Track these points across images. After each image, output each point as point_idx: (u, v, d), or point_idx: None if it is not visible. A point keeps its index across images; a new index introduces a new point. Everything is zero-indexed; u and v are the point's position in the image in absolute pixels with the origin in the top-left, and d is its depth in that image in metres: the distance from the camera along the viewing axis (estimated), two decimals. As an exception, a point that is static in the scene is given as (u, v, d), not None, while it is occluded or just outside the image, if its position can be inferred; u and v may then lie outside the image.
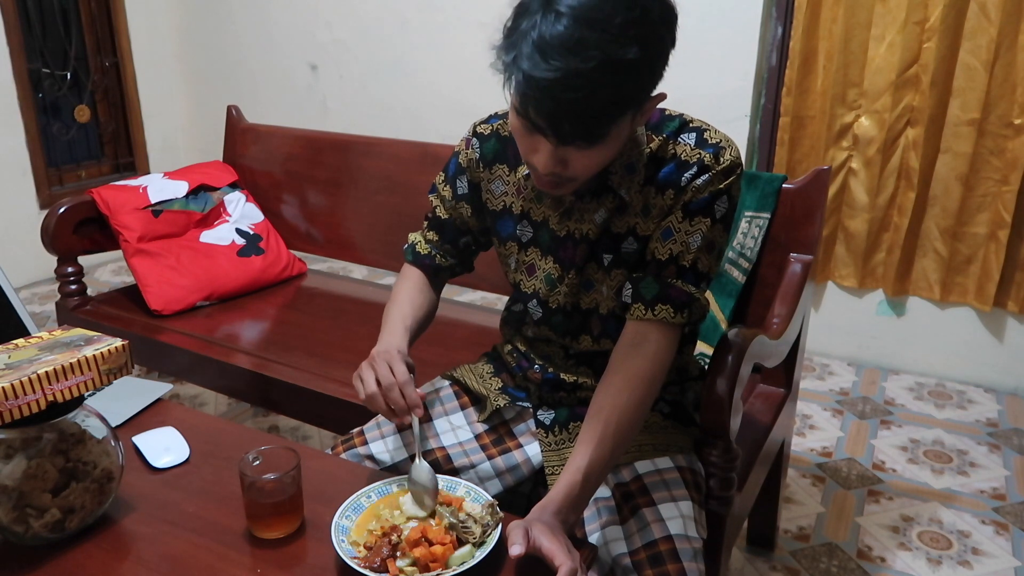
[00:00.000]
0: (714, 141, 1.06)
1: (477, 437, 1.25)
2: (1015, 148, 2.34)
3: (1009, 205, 2.37)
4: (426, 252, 1.29)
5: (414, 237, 1.32)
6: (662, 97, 0.98)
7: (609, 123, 0.91)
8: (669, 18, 0.92)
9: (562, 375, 1.21)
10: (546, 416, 1.22)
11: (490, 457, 1.23)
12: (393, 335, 1.16)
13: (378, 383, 1.06)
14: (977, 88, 2.35)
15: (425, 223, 1.31)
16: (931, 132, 2.43)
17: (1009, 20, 2.27)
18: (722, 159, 1.05)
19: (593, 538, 1.08)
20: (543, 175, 0.99)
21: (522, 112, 0.93)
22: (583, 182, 1.02)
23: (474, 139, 1.22)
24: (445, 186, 1.26)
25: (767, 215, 1.57)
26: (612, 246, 1.11)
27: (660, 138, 1.07)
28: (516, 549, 0.87)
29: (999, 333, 2.56)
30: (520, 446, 1.24)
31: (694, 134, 1.07)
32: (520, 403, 1.25)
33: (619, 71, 0.87)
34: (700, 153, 1.05)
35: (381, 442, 1.23)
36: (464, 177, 1.23)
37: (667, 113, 1.10)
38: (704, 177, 1.04)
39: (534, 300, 1.20)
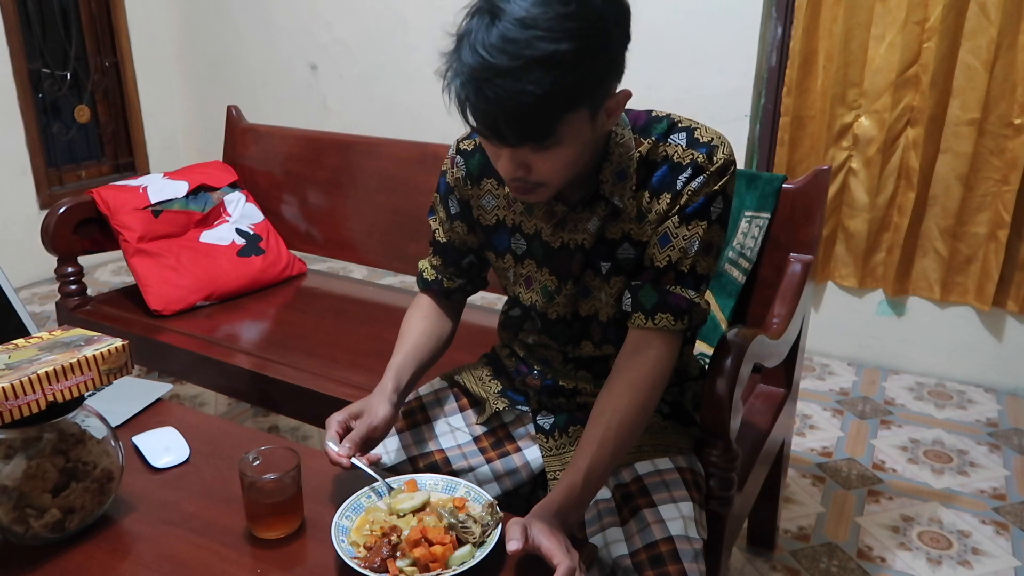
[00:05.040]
0: (706, 140, 1.04)
1: (476, 440, 1.24)
2: (1015, 148, 2.34)
3: (1009, 205, 2.37)
4: (433, 277, 1.28)
5: (422, 264, 1.30)
6: (626, 95, 0.97)
7: (552, 121, 0.89)
8: (615, 12, 0.91)
9: (561, 381, 1.20)
10: (545, 421, 1.22)
11: (489, 461, 1.22)
12: (379, 390, 1.15)
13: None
14: (977, 88, 2.35)
15: (430, 248, 1.30)
16: (931, 132, 2.43)
17: (1009, 20, 2.27)
18: (715, 158, 1.03)
19: (593, 540, 1.08)
20: (509, 180, 0.99)
21: (462, 117, 0.92)
22: (556, 187, 1.00)
23: (458, 156, 1.19)
24: (440, 207, 1.24)
25: (767, 215, 1.57)
26: (608, 253, 1.10)
27: (649, 141, 1.06)
28: (513, 545, 0.87)
29: (999, 333, 2.56)
30: (519, 450, 1.24)
31: (684, 134, 1.05)
32: (519, 407, 1.25)
33: (550, 66, 0.85)
34: (693, 154, 1.03)
35: (379, 443, 1.23)
36: (454, 196, 1.21)
37: (654, 115, 1.08)
38: (699, 179, 1.03)
39: (532, 312, 1.19)
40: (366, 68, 3.44)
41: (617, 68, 0.95)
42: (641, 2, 3.08)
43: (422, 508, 1.01)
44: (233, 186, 2.27)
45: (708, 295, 1.63)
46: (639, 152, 1.06)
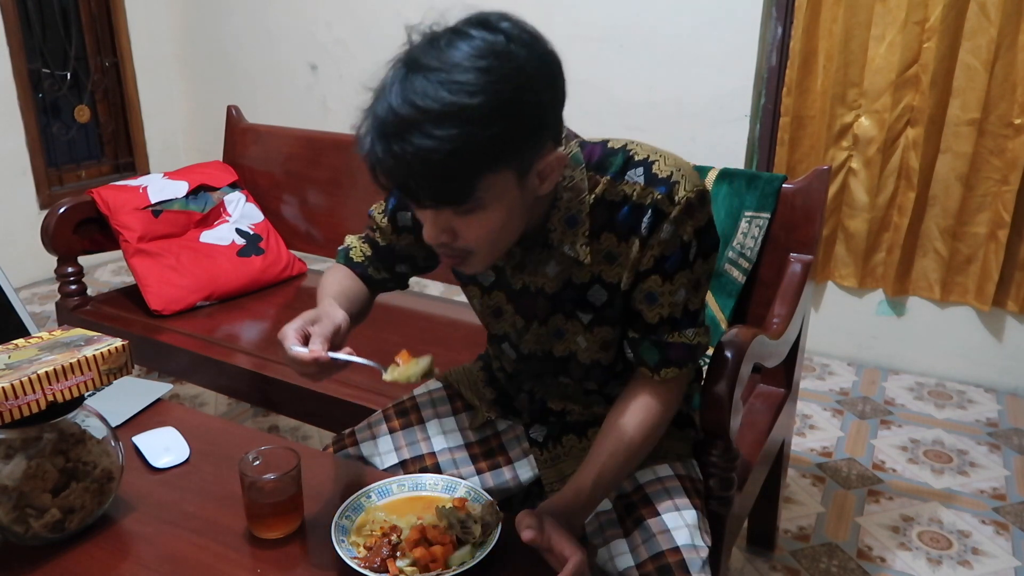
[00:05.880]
0: (664, 175, 0.96)
1: (468, 446, 1.24)
2: (1015, 148, 2.34)
3: (1009, 205, 2.37)
4: (360, 260, 1.22)
5: (351, 241, 1.24)
6: (560, 159, 0.90)
7: (469, 182, 0.83)
8: (540, 68, 0.85)
9: (549, 403, 1.19)
10: (538, 433, 1.21)
11: (479, 471, 1.22)
12: (326, 303, 1.07)
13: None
14: (977, 88, 2.35)
15: (364, 234, 1.23)
16: (931, 132, 2.43)
17: (1009, 20, 2.27)
18: (677, 197, 0.95)
19: (596, 553, 1.07)
20: (435, 247, 0.94)
21: (372, 175, 0.87)
22: (488, 255, 0.94)
23: None
24: (383, 218, 1.18)
25: (767, 215, 1.57)
26: (578, 299, 1.04)
27: (606, 179, 0.98)
28: (529, 534, 0.88)
29: (999, 333, 2.56)
30: (510, 461, 1.23)
31: (641, 169, 0.97)
32: (511, 417, 1.25)
33: (460, 121, 0.79)
34: (652, 193, 0.95)
35: (372, 443, 1.23)
36: (408, 214, 1.15)
37: (610, 146, 1.00)
38: (666, 228, 0.95)
39: (506, 343, 1.16)
40: (366, 68, 3.43)
41: (546, 128, 0.88)
42: (642, 3, 3.08)
43: (428, 374, 0.97)
44: (233, 186, 2.27)
45: (709, 295, 1.63)
46: (595, 194, 0.98)
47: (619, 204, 0.98)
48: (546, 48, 0.87)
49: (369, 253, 1.22)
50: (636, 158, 0.98)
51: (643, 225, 0.96)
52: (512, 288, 1.08)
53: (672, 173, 0.96)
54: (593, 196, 0.99)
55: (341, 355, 0.96)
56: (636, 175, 0.97)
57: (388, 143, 0.82)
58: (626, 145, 1.00)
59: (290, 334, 0.98)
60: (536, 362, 1.14)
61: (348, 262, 1.23)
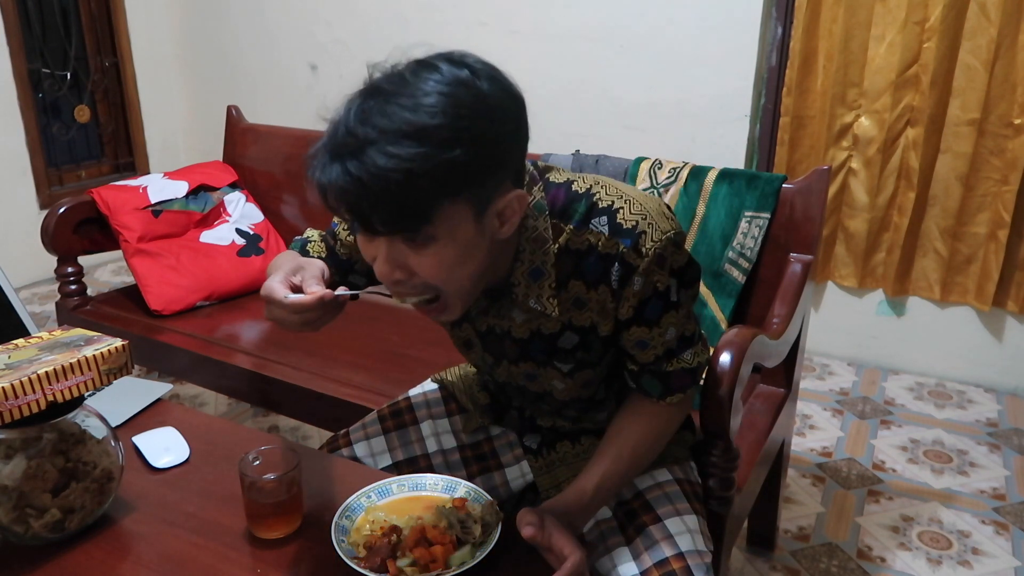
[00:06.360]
0: (630, 226, 0.92)
1: (460, 449, 1.24)
2: (1015, 148, 2.34)
3: (1009, 205, 2.37)
4: (317, 255, 1.15)
5: (311, 234, 1.19)
6: (520, 199, 0.88)
7: (423, 205, 0.80)
8: (505, 99, 0.84)
9: (539, 421, 1.19)
10: (532, 440, 1.21)
11: (470, 476, 1.22)
12: (302, 261, 1.03)
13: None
14: (977, 88, 2.35)
15: (324, 236, 1.18)
16: (931, 132, 2.43)
17: (1009, 20, 2.27)
18: (644, 249, 0.91)
19: (600, 561, 1.06)
20: (390, 285, 0.91)
21: (323, 200, 0.83)
22: (453, 293, 0.90)
23: None
24: (348, 235, 1.14)
25: (767, 215, 1.57)
26: (550, 348, 1.02)
27: (569, 228, 0.94)
28: (529, 530, 0.88)
29: (999, 333, 2.56)
30: (501, 467, 1.23)
31: (605, 217, 0.93)
32: (504, 425, 1.25)
33: (418, 141, 0.78)
34: (617, 245, 0.92)
35: (365, 444, 1.23)
36: None
37: (575, 190, 0.96)
38: (638, 280, 0.92)
39: (483, 372, 1.15)
40: (366, 68, 3.44)
41: (506, 163, 0.86)
42: (642, 3, 3.08)
43: None
44: (233, 186, 2.27)
45: (708, 295, 1.63)
46: (558, 244, 0.95)
47: (585, 252, 0.94)
48: (511, 86, 0.86)
49: (325, 255, 1.17)
50: (600, 205, 0.94)
51: (612, 277, 0.94)
52: (478, 330, 1.06)
53: (637, 223, 0.92)
54: (557, 245, 0.95)
55: (343, 291, 0.94)
56: (600, 224, 0.93)
57: (343, 162, 0.79)
58: (590, 188, 0.95)
59: (277, 286, 0.94)
60: (514, 389, 1.14)
61: (304, 254, 1.16)
